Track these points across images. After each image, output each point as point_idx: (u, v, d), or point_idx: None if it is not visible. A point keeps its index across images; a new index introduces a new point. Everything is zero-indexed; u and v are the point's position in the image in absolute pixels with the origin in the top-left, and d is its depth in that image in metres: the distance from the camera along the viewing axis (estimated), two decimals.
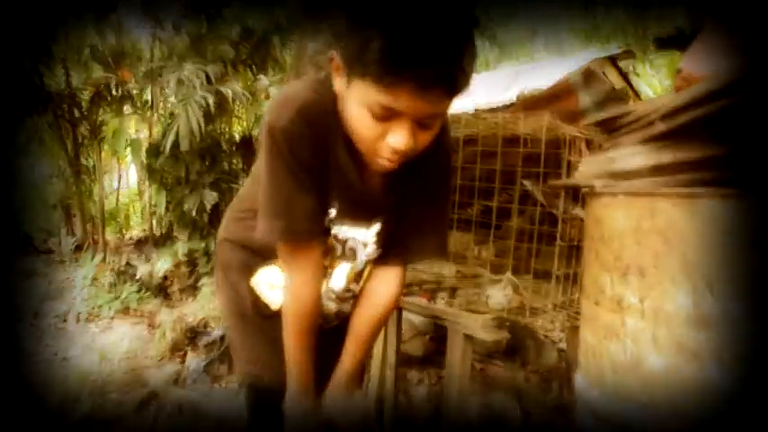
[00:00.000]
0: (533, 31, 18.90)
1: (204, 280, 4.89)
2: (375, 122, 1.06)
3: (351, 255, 1.37)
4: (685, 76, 1.30)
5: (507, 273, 2.55)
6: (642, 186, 1.26)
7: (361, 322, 1.41)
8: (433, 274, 3.10)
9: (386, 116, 1.04)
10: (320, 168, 1.20)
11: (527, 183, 2.91)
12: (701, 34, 1.38)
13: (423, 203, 1.34)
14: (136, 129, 6.83)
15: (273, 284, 1.39)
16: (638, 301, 1.14)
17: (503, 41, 17.34)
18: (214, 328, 3.67)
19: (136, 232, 7.62)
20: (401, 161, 1.12)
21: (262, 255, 1.39)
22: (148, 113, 5.84)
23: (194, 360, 3.31)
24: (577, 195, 2.42)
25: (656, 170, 1.24)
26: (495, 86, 8.25)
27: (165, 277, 5.11)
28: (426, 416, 2.90)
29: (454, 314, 2.35)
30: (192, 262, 5.20)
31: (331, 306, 1.43)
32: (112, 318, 4.33)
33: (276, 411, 1.33)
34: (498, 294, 2.42)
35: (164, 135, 4.85)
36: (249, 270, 1.42)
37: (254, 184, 1.31)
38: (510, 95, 7.36)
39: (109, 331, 4.09)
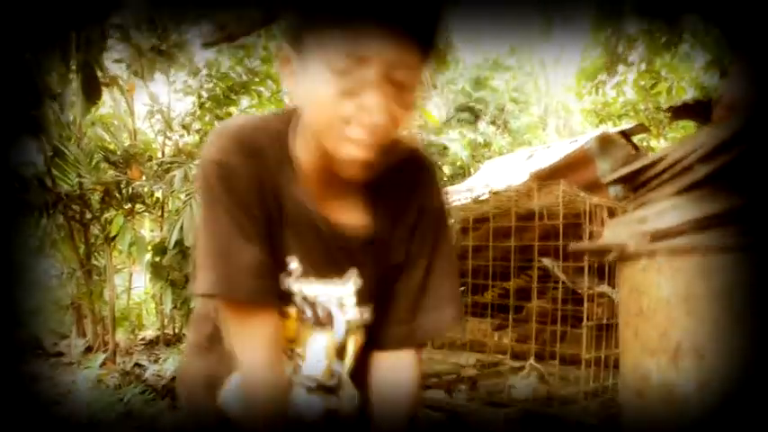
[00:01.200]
0: (544, 119, 19.21)
1: None
2: (339, 93, 0.87)
3: (326, 320, 1.06)
4: (728, 102, 1.11)
5: (530, 360, 2.33)
6: (686, 244, 1.04)
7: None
8: (450, 363, 2.87)
9: (351, 72, 0.86)
10: (269, 209, 0.99)
11: (546, 261, 2.72)
12: (738, 62, 1.22)
13: (421, 252, 1.08)
14: (151, 229, 6.78)
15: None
16: (697, 391, 0.89)
17: (514, 129, 17.58)
18: None
19: (150, 332, 7.45)
20: (374, 151, 0.91)
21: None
22: (159, 212, 5.79)
23: None
24: (603, 270, 2.22)
25: (701, 224, 1.03)
26: (508, 170, 8.22)
27: (173, 378, 4.89)
28: None
29: (476, 410, 2.11)
30: None
31: (314, 403, 1.07)
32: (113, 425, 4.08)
33: None
34: (522, 384, 2.18)
35: (170, 231, 4.76)
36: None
37: None
38: (524, 176, 7.27)
39: None
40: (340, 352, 1.09)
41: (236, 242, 0.95)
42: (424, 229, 1.08)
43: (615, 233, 1.23)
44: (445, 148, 10.24)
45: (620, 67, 8.37)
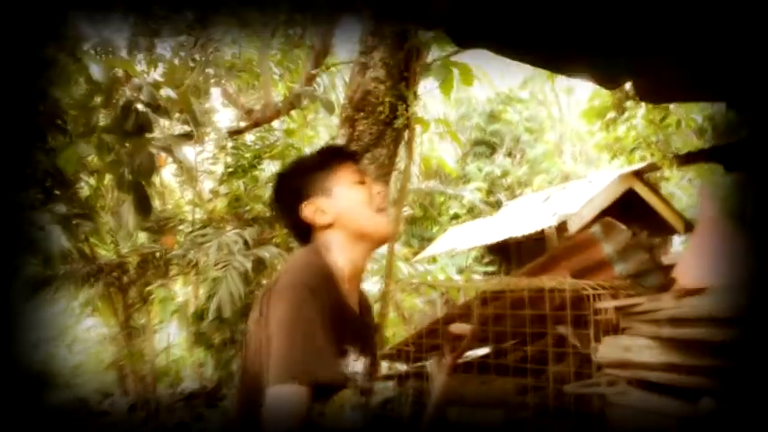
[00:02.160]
0: (560, 146, 19.38)
1: None
2: (358, 191, 1.48)
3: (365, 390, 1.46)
4: (679, 289, 1.39)
5: None
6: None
7: None
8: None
9: (359, 182, 1.49)
10: (328, 315, 1.31)
11: (561, 328, 2.94)
12: (692, 241, 1.48)
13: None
14: (183, 285, 7.09)
15: None
16: None
17: (531, 158, 17.77)
18: None
19: (188, 384, 7.72)
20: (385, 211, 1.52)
21: None
22: (192, 275, 6.10)
23: None
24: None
25: (667, 369, 1.30)
26: (527, 214, 8.44)
27: None
28: None
29: None
30: None
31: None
32: None
33: None
34: None
35: (207, 299, 5.05)
36: None
37: None
38: (548, 221, 7.48)
39: None
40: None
41: (318, 341, 1.25)
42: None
43: (605, 354, 1.50)
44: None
45: (629, 102, 8.60)
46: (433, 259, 10.48)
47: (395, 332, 5.69)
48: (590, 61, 2.53)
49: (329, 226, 1.45)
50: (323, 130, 6.40)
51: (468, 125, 17.34)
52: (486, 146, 17.57)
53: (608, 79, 2.85)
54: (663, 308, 1.36)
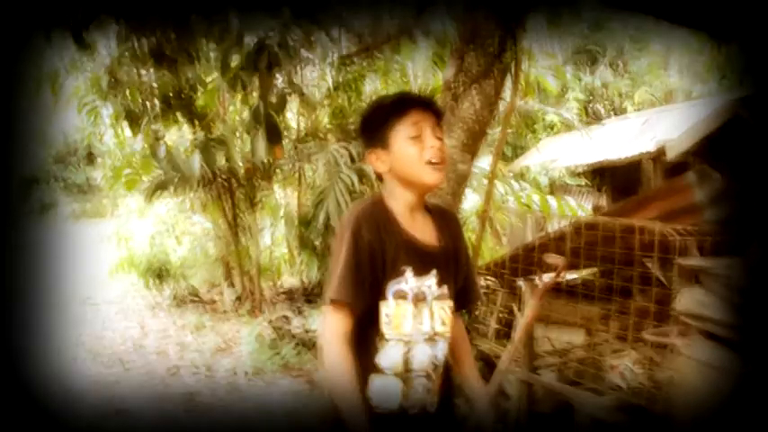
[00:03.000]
0: (666, 59, 18.36)
1: None
2: (416, 147, 1.65)
3: (422, 297, 1.73)
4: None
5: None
6: None
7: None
8: (562, 342, 3.40)
9: (415, 136, 1.65)
10: (385, 248, 1.64)
11: (649, 264, 3.13)
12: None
13: (465, 263, 1.86)
14: (287, 191, 7.52)
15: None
16: None
17: (634, 71, 17.01)
18: None
19: (287, 281, 8.34)
20: (443, 166, 1.68)
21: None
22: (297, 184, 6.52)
23: None
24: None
25: (734, 328, 1.52)
26: (626, 136, 8.31)
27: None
28: None
29: (579, 395, 2.64)
30: None
31: (424, 352, 1.73)
32: (275, 372, 4.91)
33: None
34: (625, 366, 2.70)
35: (315, 207, 5.43)
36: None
37: None
38: (646, 145, 7.38)
39: (273, 387, 4.67)
40: (432, 315, 1.74)
41: (355, 278, 1.59)
42: (462, 247, 1.87)
43: (682, 302, 1.73)
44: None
45: None
46: (522, 173, 10.52)
47: (490, 247, 5.95)
48: None
49: (387, 172, 1.70)
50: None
51: (570, 33, 16.64)
52: (587, 55, 16.92)
53: None
54: (734, 276, 1.56)
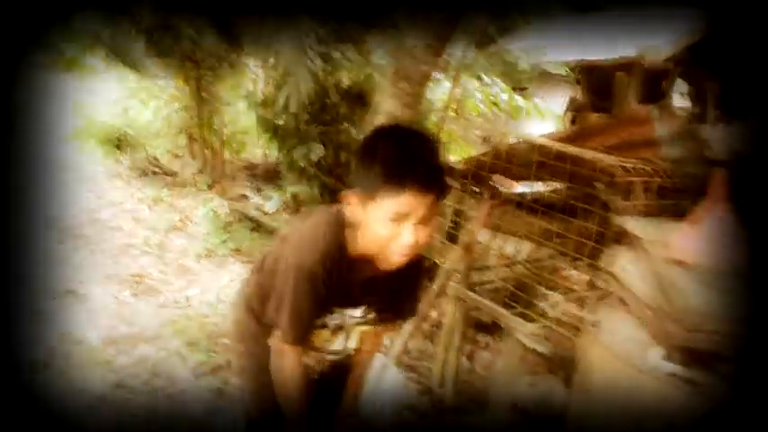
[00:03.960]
0: None
1: None
2: (390, 228, 1.46)
3: (342, 326, 1.83)
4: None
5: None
6: None
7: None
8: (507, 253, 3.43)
9: (397, 220, 1.45)
10: (329, 286, 1.62)
11: (598, 185, 3.08)
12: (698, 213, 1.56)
13: (409, 293, 1.87)
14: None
15: None
16: None
17: None
18: None
19: (251, 152, 8.20)
20: (409, 255, 1.52)
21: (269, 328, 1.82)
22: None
23: None
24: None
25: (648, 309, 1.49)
26: (605, 35, 7.97)
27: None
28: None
29: (508, 319, 2.68)
30: (298, 203, 5.72)
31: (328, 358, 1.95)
32: (227, 256, 4.92)
33: None
34: None
35: (277, 88, 5.22)
36: (262, 336, 1.84)
37: (274, 263, 1.75)
38: (626, 50, 7.09)
39: (223, 271, 4.69)
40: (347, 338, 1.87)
41: (311, 313, 1.66)
42: (411, 284, 1.84)
43: (606, 262, 1.70)
44: None
45: None
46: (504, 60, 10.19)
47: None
48: None
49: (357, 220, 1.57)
50: None
51: None
52: None
53: None
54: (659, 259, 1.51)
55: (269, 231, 5.43)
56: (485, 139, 7.48)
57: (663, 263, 1.54)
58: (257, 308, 1.89)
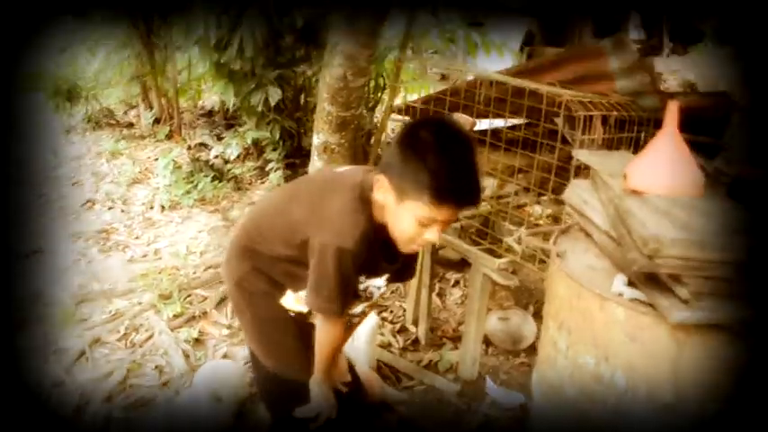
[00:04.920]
0: None
1: (272, 165, 5.37)
2: (419, 227, 1.61)
3: (362, 296, 1.95)
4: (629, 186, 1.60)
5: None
6: None
7: None
8: None
9: (427, 224, 1.60)
10: (363, 265, 1.75)
11: (558, 120, 3.14)
12: (653, 143, 1.63)
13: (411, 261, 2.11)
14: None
15: (296, 303, 1.94)
16: None
17: None
18: None
19: (209, 100, 8.04)
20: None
21: (281, 288, 1.93)
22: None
23: None
24: None
25: (609, 237, 1.57)
26: None
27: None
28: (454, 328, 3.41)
29: (476, 255, 2.77)
30: (258, 149, 5.68)
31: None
32: (191, 207, 4.90)
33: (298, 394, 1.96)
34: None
35: (228, 32, 5.10)
36: (272, 296, 1.95)
37: (293, 233, 1.80)
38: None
39: (189, 221, 4.68)
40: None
41: (347, 290, 1.77)
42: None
43: (569, 194, 1.77)
44: None
45: None
46: None
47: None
48: None
49: (383, 202, 1.67)
50: None
51: None
52: None
53: None
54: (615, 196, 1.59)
55: (231, 179, 5.42)
56: (443, 77, 7.48)
57: (621, 193, 1.61)
58: (273, 270, 1.94)
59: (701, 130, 2.12)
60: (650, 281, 1.46)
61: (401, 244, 1.71)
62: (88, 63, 7.61)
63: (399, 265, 1.92)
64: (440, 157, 1.53)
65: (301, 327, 1.94)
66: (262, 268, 1.93)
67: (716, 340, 1.42)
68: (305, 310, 1.92)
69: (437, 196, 1.53)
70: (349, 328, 2.10)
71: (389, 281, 1.98)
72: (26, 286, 3.64)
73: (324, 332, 1.87)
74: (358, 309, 2.03)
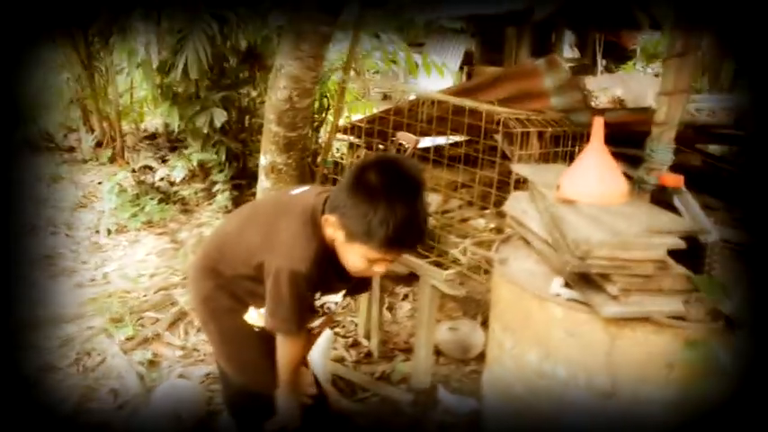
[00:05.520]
0: None
1: (218, 186, 5.39)
2: (367, 262, 1.71)
3: (327, 310, 2.07)
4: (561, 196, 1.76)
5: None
6: None
7: None
8: None
9: (376, 261, 1.72)
10: (317, 284, 1.84)
11: (497, 137, 3.30)
12: (582, 156, 1.79)
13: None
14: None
15: (259, 319, 2.00)
16: None
17: None
18: None
19: (151, 123, 8.00)
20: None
21: (245, 305, 2.02)
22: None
23: None
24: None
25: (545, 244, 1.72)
26: None
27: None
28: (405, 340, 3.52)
29: (424, 268, 2.89)
30: (204, 171, 5.70)
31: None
32: (138, 230, 4.88)
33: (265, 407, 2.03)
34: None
35: (174, 55, 5.13)
36: (236, 313, 2.03)
37: (251, 256, 1.89)
38: (515, 4, 7.20)
39: (137, 245, 4.67)
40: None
41: (303, 310, 1.86)
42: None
43: (509, 205, 1.91)
44: None
45: None
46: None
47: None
48: None
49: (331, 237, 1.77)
50: None
51: None
52: None
53: None
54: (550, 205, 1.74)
55: (177, 201, 5.42)
56: (385, 97, 7.65)
57: (555, 202, 1.75)
58: (237, 288, 2.01)
59: (630, 143, 2.29)
60: (583, 281, 1.60)
61: (351, 272, 1.80)
62: (24, 85, 7.45)
63: (353, 283, 2.02)
64: (388, 206, 1.60)
65: (267, 341, 1.99)
66: (225, 286, 2.01)
67: (644, 331, 1.56)
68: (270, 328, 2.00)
69: (386, 244, 1.64)
70: (309, 340, 2.19)
71: (346, 295, 2.08)
72: None
73: (284, 349, 1.95)
74: (316, 323, 2.13)
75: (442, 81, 6.29)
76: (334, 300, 2.03)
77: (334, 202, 1.73)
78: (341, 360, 3.32)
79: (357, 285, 2.12)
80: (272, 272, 1.77)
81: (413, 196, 1.66)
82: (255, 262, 1.85)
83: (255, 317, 2.02)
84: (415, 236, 1.71)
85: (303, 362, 2.22)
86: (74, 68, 6.98)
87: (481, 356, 3.26)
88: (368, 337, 3.47)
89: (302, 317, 1.88)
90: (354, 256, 1.71)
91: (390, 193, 1.61)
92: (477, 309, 3.77)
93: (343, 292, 2.04)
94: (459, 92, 3.37)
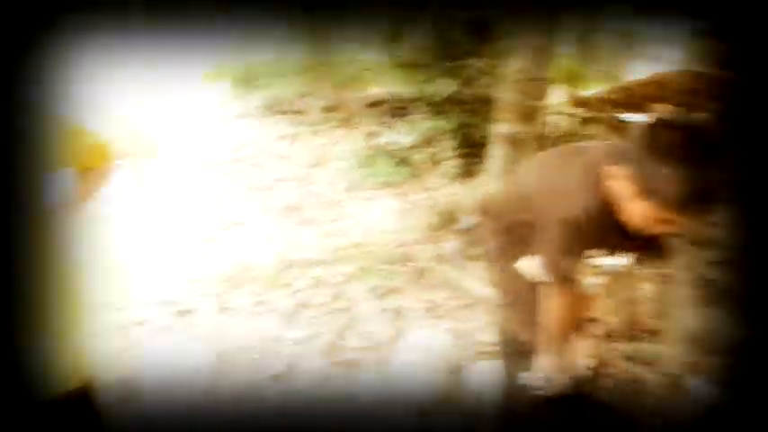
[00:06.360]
0: None
1: (446, 154, 5.47)
2: (652, 222, 1.63)
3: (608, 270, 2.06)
4: None
5: None
6: None
7: None
8: None
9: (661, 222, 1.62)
10: (592, 237, 1.84)
11: None
12: None
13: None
14: None
15: (533, 268, 2.01)
16: None
17: None
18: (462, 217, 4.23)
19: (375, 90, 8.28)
20: None
21: (524, 251, 2.05)
22: None
23: (451, 242, 3.96)
24: None
25: None
26: None
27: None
28: None
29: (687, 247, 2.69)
30: (431, 138, 5.80)
31: None
32: (373, 189, 5.09)
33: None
34: None
35: (406, 25, 5.25)
36: (514, 259, 2.09)
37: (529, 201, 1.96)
38: None
39: (372, 204, 4.87)
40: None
41: (577, 255, 1.85)
42: None
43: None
44: None
45: None
46: None
47: None
48: None
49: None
50: None
51: None
52: None
53: None
54: None
55: (407, 165, 5.56)
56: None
57: None
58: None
59: None
60: None
61: (631, 229, 1.72)
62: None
63: (633, 245, 1.93)
64: (689, 166, 1.53)
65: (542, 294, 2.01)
66: (505, 231, 2.11)
67: None
68: (542, 275, 2.00)
69: (678, 203, 1.56)
70: (583, 302, 2.15)
71: (635, 257, 2.00)
72: (231, 252, 3.95)
73: (553, 299, 1.94)
74: (594, 280, 2.06)
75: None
76: (614, 262, 1.99)
77: (624, 156, 1.67)
78: None
79: (645, 247, 1.99)
80: (548, 217, 1.83)
81: (711, 161, 1.57)
82: (535, 208, 1.92)
83: (531, 265, 2.04)
84: (707, 200, 1.61)
85: (576, 325, 2.17)
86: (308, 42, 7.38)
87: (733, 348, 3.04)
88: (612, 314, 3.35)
89: (574, 264, 1.84)
90: (639, 213, 1.64)
91: (690, 155, 1.54)
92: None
93: (627, 253, 1.98)
94: None
